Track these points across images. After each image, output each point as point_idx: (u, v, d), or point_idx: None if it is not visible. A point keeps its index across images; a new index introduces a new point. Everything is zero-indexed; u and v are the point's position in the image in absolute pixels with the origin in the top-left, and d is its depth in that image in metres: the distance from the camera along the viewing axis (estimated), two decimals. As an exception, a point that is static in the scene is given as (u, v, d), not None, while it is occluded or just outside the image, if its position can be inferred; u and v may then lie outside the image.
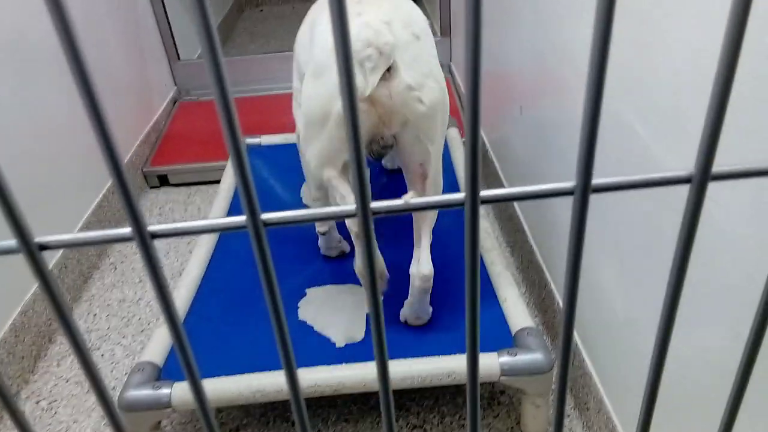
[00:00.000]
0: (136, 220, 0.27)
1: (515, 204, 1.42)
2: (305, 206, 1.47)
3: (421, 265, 1.01)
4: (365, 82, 0.84)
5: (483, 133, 1.75)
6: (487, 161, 1.68)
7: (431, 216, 1.03)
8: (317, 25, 0.95)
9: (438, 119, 0.92)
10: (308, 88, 0.92)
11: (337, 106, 0.88)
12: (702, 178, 0.27)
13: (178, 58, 2.24)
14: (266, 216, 0.28)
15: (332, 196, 0.98)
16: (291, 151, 1.72)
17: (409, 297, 1.07)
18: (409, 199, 0.28)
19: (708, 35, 0.62)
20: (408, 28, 0.89)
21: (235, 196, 1.50)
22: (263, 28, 3.28)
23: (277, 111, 2.16)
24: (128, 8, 1.95)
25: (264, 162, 1.67)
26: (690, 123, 0.66)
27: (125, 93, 1.85)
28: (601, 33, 0.23)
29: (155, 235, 0.28)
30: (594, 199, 0.89)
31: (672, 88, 0.69)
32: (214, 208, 1.42)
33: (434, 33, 2.36)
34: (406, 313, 1.09)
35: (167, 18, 2.16)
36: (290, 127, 1.98)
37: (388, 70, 0.85)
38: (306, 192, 1.43)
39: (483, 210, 1.36)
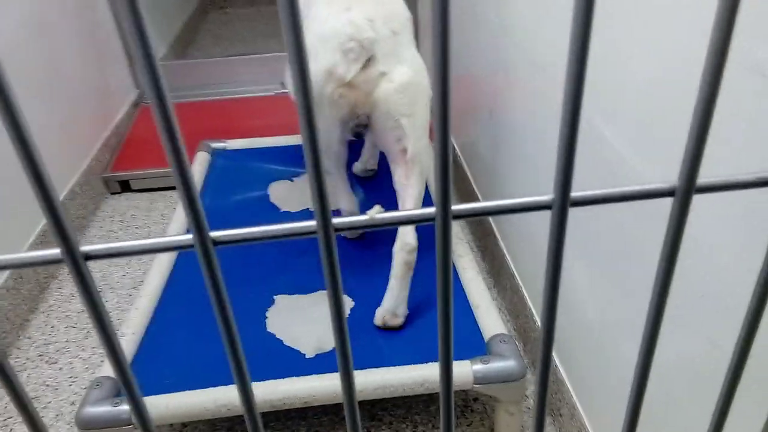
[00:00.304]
0: (66, 240, 0.24)
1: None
2: (273, 208, 1.44)
3: (405, 236, 1.03)
4: (347, 70, 0.97)
5: (452, 137, 1.74)
6: (456, 165, 1.67)
7: (417, 190, 1.06)
8: (311, 5, 1.05)
9: (411, 96, 1.01)
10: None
11: (329, 88, 1.00)
12: (686, 190, 0.25)
13: (140, 61, 2.18)
14: (216, 234, 0.26)
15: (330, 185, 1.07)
16: (257, 155, 1.69)
17: (390, 280, 1.06)
18: (374, 214, 0.25)
19: (680, 37, 0.61)
20: (388, 24, 1.00)
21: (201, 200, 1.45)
22: (227, 30, 3.23)
23: (243, 115, 2.12)
24: (85, 9, 1.89)
25: (230, 166, 1.63)
26: (661, 129, 0.66)
27: (83, 97, 1.78)
28: (579, 46, 0.22)
29: (89, 257, 0.26)
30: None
31: (641, 92, 0.68)
32: (177, 214, 1.37)
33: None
34: (384, 306, 1.07)
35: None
36: (256, 131, 1.95)
37: (368, 60, 0.98)
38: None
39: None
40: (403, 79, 1.00)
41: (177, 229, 1.33)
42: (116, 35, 2.09)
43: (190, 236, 0.26)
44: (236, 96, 2.22)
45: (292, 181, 1.58)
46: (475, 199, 1.48)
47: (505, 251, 1.29)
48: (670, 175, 0.65)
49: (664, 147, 0.65)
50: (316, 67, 1.00)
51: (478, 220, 1.48)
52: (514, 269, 1.25)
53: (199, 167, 1.60)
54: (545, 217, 1.06)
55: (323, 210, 0.25)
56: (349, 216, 0.25)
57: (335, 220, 0.25)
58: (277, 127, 2.00)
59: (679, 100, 0.62)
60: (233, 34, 3.15)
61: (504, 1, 1.14)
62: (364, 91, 1.00)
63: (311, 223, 0.25)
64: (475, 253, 1.47)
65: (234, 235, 0.26)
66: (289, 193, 1.52)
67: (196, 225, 0.25)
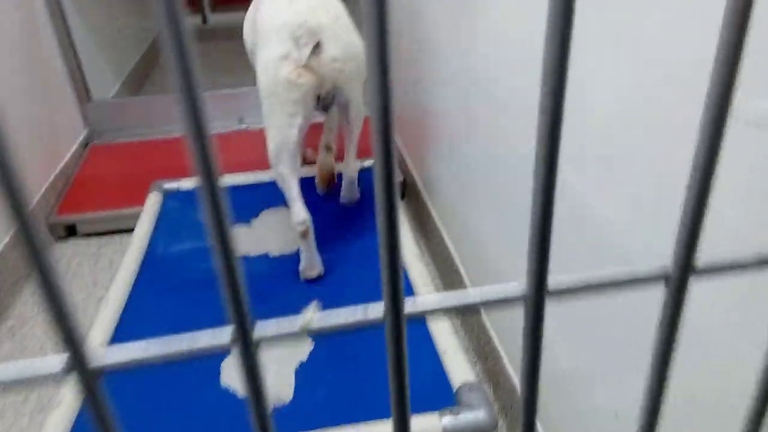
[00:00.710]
0: None
1: (450, 245, 1.37)
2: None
3: (296, 215, 1.23)
4: (300, 54, 1.12)
5: (414, 172, 1.71)
6: (419, 199, 1.63)
7: (355, 133, 1.36)
8: (261, 4, 1.22)
9: (356, 80, 1.22)
10: (260, 60, 1.18)
11: (284, 70, 1.13)
12: (682, 275, 0.21)
13: (89, 99, 2.09)
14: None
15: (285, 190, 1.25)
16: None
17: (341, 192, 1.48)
18: (308, 320, 0.20)
19: (640, 70, 0.58)
20: (328, 12, 1.15)
21: (151, 246, 1.38)
22: (185, 65, 3.16)
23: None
24: (30, 46, 1.81)
25: (184, 208, 1.56)
26: (622, 170, 0.63)
27: (27, 138, 1.69)
28: (552, 104, 0.17)
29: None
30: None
31: (603, 133, 0.66)
32: (126, 260, 1.29)
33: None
34: (301, 265, 1.27)
35: (76, 56, 2.02)
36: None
37: (317, 45, 1.13)
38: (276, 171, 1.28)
39: (418, 250, 1.31)
40: (351, 67, 1.18)
41: (125, 278, 1.24)
42: (65, 73, 2.01)
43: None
44: (192, 133, 2.15)
45: (249, 223, 1.51)
46: (439, 236, 1.44)
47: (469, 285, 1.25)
48: (656, 234, 0.62)
49: (628, 190, 0.62)
50: (271, 55, 1.14)
51: (443, 258, 1.44)
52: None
53: (150, 209, 1.52)
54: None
55: (241, 317, 0.19)
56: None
57: (258, 331, 0.20)
58: (235, 164, 1.94)
59: (640, 141, 0.59)
60: (189, 69, 3.09)
61: (464, 39, 1.12)
62: (320, 74, 1.15)
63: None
64: (440, 290, 1.43)
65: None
66: (247, 237, 1.46)
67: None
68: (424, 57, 1.42)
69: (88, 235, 1.71)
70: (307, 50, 1.12)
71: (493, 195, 1.06)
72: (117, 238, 1.70)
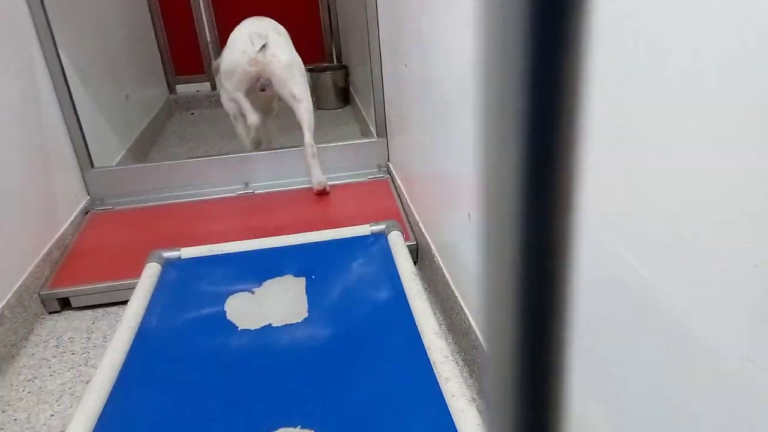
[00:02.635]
0: None
1: (470, 318, 1.26)
2: (230, 327, 1.26)
3: (305, 137, 2.00)
4: (252, 49, 1.89)
5: (427, 236, 1.62)
6: (433, 266, 1.53)
7: (307, 114, 2.00)
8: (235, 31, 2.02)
9: (291, 69, 1.96)
10: (225, 56, 1.98)
11: (240, 66, 1.92)
12: None
13: (92, 166, 2.04)
14: None
15: (239, 108, 2.03)
16: (215, 263, 1.53)
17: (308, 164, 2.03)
18: None
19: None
20: (274, 31, 1.97)
21: (144, 324, 1.27)
22: (192, 131, 3.15)
23: (203, 218, 1.97)
24: (31, 113, 1.77)
25: (184, 278, 1.47)
26: (695, 254, 0.53)
27: (22, 206, 1.62)
28: None
29: None
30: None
31: (666, 214, 0.56)
32: (114, 341, 1.18)
33: (371, 134, 2.28)
34: (313, 181, 2.03)
35: (79, 123, 1.98)
36: (217, 236, 1.79)
37: (264, 46, 1.90)
38: (224, 98, 2.13)
39: (437, 328, 1.19)
40: (285, 58, 1.95)
41: (114, 359, 1.13)
42: (66, 140, 1.97)
43: None
44: (197, 198, 2.09)
45: (252, 293, 1.41)
46: (458, 308, 1.33)
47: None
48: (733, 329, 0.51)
49: (703, 276, 0.52)
50: (235, 49, 1.94)
51: (462, 331, 1.32)
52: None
53: (147, 281, 1.42)
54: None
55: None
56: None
57: None
58: (240, 230, 1.86)
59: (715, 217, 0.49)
60: (197, 134, 3.07)
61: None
62: (262, 65, 1.93)
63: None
64: (462, 369, 1.30)
65: None
66: (249, 308, 1.35)
67: None
68: (436, 117, 1.35)
69: (82, 307, 1.61)
70: (258, 47, 1.90)
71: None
72: (113, 310, 1.59)
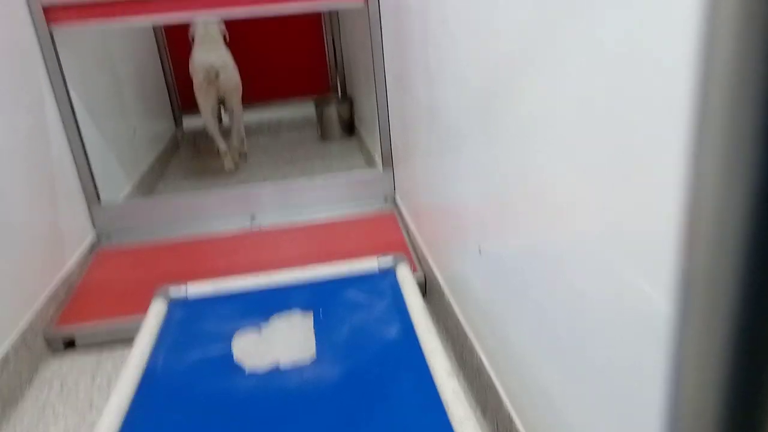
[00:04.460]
0: None
1: (483, 356, 1.23)
2: (237, 370, 1.24)
3: (234, 141, 2.97)
4: (210, 77, 2.67)
5: (436, 269, 1.59)
6: (443, 300, 1.50)
7: (239, 122, 2.93)
8: (193, 54, 2.75)
9: (236, 90, 2.80)
10: (194, 80, 2.72)
11: (203, 84, 2.69)
12: None
13: (99, 201, 2.04)
14: None
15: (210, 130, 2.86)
16: (222, 301, 1.51)
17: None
18: None
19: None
20: (224, 60, 2.72)
21: (150, 365, 1.25)
22: (198, 163, 3.16)
23: (211, 254, 1.96)
24: (39, 148, 1.78)
25: (190, 316, 1.44)
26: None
27: (28, 243, 1.61)
28: None
29: None
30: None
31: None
32: (120, 384, 1.15)
33: (376, 166, 2.27)
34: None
35: (87, 158, 1.98)
36: (225, 271, 1.78)
37: (217, 74, 2.67)
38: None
39: (449, 367, 1.16)
40: (233, 83, 2.76)
41: (119, 404, 1.11)
42: (74, 174, 1.97)
43: None
44: (205, 233, 2.08)
45: (259, 330, 1.39)
46: (469, 345, 1.30)
47: (512, 413, 1.09)
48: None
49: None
50: (199, 77, 2.67)
51: (474, 370, 1.29)
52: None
53: (153, 320, 1.40)
54: (559, 370, 0.88)
55: None
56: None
57: None
58: (246, 264, 1.84)
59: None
60: (204, 167, 3.08)
61: (493, 127, 1.04)
62: (216, 86, 2.69)
63: None
64: (476, 411, 1.27)
65: None
66: (256, 346, 1.33)
67: None
68: (445, 146, 1.34)
69: (88, 346, 1.58)
70: (213, 76, 2.66)
71: (536, 303, 0.93)
72: (119, 350, 1.57)
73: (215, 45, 2.72)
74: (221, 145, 2.83)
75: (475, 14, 1.02)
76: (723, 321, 0.15)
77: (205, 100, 2.72)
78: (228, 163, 2.88)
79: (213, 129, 2.79)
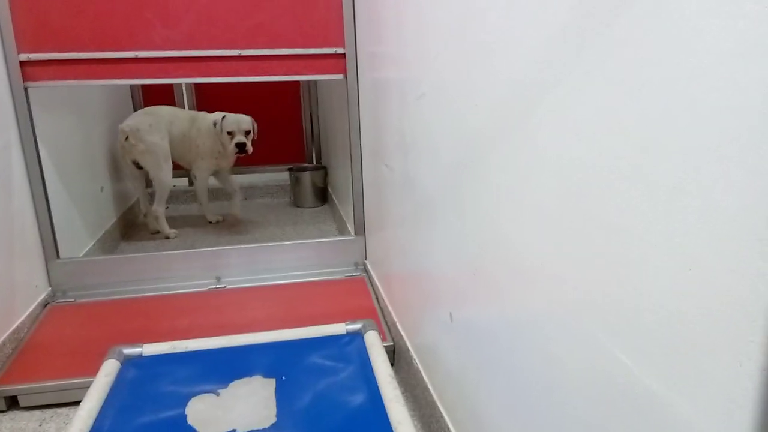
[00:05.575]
0: None
1: (451, 428, 1.18)
2: (187, 429, 1.16)
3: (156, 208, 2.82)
4: (122, 141, 2.65)
5: (405, 337, 1.56)
6: (411, 368, 1.46)
7: (160, 189, 2.78)
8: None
9: (146, 158, 2.66)
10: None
11: (120, 147, 2.73)
12: None
13: (57, 256, 1.97)
14: None
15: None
16: (178, 361, 1.44)
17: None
18: None
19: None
20: (138, 123, 2.66)
21: (95, 428, 1.16)
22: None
23: (170, 313, 1.89)
24: (1, 198, 1.72)
25: (143, 376, 1.36)
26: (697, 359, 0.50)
27: (-22, 295, 1.53)
28: None
29: None
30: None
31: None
32: (62, 447, 1.07)
33: (348, 233, 2.26)
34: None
35: (50, 212, 1.93)
36: (184, 332, 1.71)
37: (127, 138, 2.62)
38: None
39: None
40: (141, 149, 2.63)
41: (58, 468, 1.02)
42: (35, 228, 1.91)
43: None
44: (166, 293, 2.01)
45: (217, 394, 1.32)
46: (437, 412, 1.25)
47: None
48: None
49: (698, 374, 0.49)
50: (120, 140, 2.65)
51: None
52: None
53: (103, 380, 1.32)
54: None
55: None
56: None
57: None
58: (209, 326, 1.77)
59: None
60: (170, 226, 3.02)
61: (467, 197, 1.05)
62: (128, 150, 2.66)
63: None
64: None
65: None
66: (213, 411, 1.25)
67: None
68: (417, 214, 1.34)
69: (31, 407, 1.47)
70: (122, 139, 2.63)
71: (499, 365, 0.91)
72: (63, 411, 1.47)
73: (150, 109, 2.78)
74: (142, 206, 2.97)
75: (453, 90, 1.05)
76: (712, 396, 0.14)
77: (123, 161, 2.77)
78: (153, 225, 2.92)
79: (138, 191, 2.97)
